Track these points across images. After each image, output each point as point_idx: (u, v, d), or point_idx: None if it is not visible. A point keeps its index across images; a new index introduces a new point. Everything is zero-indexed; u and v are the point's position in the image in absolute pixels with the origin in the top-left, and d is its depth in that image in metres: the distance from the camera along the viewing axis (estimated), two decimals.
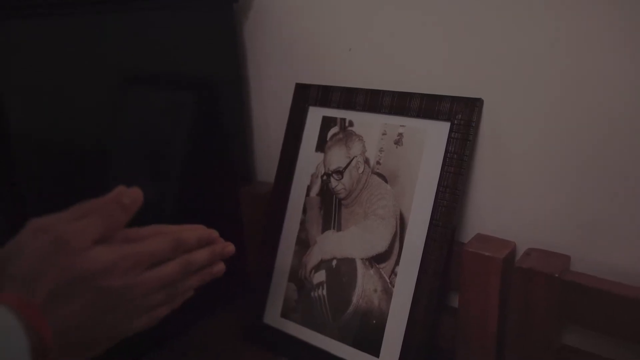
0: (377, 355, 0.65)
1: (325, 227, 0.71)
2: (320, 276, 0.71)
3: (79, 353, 0.40)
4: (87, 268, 0.38)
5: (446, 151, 0.63)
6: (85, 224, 0.40)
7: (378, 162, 0.68)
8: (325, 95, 0.73)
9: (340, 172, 0.71)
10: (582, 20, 0.54)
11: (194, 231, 0.48)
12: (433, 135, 0.64)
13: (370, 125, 0.69)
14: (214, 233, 0.50)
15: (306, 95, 0.75)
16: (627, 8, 0.52)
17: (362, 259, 0.68)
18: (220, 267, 0.50)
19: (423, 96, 0.65)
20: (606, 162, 0.56)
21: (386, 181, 0.67)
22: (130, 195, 0.44)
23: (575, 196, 0.59)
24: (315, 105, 0.74)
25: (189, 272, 0.46)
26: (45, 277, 0.37)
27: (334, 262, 0.70)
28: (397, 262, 0.65)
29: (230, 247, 0.51)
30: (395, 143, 0.67)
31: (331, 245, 0.70)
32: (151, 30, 0.69)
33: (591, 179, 0.58)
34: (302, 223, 0.74)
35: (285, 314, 0.74)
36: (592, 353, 0.58)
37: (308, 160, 0.74)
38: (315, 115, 0.74)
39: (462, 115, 0.62)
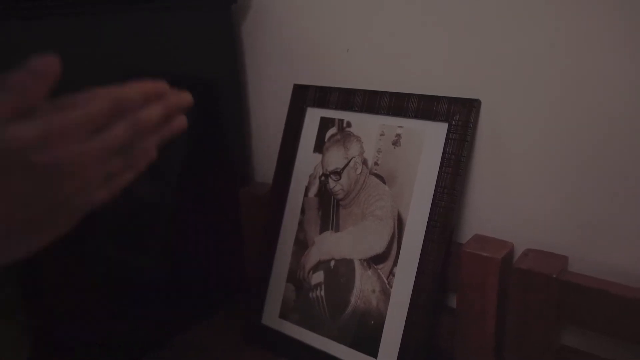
0: (375, 356, 0.65)
1: (324, 228, 0.71)
2: (318, 277, 0.71)
3: (40, 229, 0.38)
4: (8, 146, 0.34)
5: (444, 152, 0.62)
6: None
7: (376, 163, 0.67)
8: (323, 96, 0.73)
9: (338, 173, 0.71)
10: (582, 20, 0.54)
11: (136, 87, 0.42)
12: (431, 136, 0.64)
13: (368, 126, 0.69)
14: (164, 86, 0.44)
15: (304, 96, 0.75)
16: (627, 8, 0.52)
17: (360, 260, 0.68)
18: (181, 120, 0.45)
19: (421, 97, 0.65)
20: (605, 162, 0.56)
21: (384, 182, 0.67)
22: (44, 62, 0.39)
23: (573, 197, 0.59)
24: (313, 106, 0.74)
25: (142, 132, 0.41)
26: None
27: (332, 263, 0.70)
28: (395, 263, 0.65)
29: (186, 97, 0.45)
30: (393, 144, 0.67)
31: (329, 246, 0.70)
32: (149, 31, 0.69)
33: (590, 180, 0.58)
34: (301, 224, 0.73)
35: (283, 315, 0.74)
36: (590, 353, 0.58)
37: (306, 161, 0.74)
38: (313, 116, 0.74)
39: (459, 116, 0.62)
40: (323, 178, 0.72)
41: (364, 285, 0.67)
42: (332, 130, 0.72)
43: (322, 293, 0.70)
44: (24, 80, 0.37)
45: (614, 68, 0.54)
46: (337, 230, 0.70)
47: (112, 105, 0.39)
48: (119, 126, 0.39)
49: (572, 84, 0.56)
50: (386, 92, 0.68)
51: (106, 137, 0.38)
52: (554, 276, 0.56)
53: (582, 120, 0.57)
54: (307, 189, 0.73)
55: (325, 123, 0.73)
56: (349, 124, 0.70)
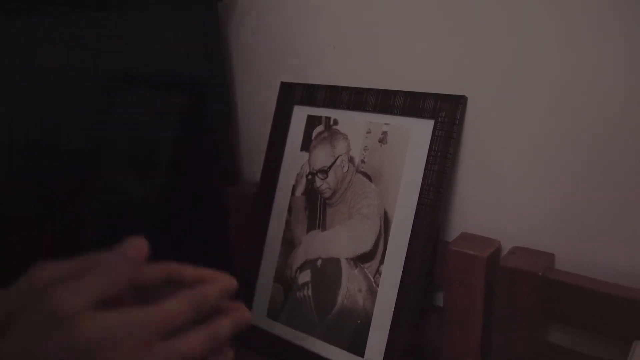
0: (362, 355, 0.64)
1: (311, 227, 0.71)
2: (305, 276, 0.70)
3: None
4: (88, 340, 0.32)
5: (430, 149, 0.62)
6: (84, 283, 0.34)
7: (362, 161, 0.67)
8: (310, 93, 0.72)
9: (325, 171, 0.70)
10: (573, 16, 0.54)
11: (215, 286, 0.39)
12: (417, 133, 0.63)
13: (354, 124, 0.68)
14: (234, 282, 0.42)
15: (291, 94, 0.74)
16: (619, 4, 0.51)
17: (346, 259, 0.67)
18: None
19: (407, 94, 0.64)
20: (592, 161, 0.56)
21: (370, 180, 0.66)
22: (135, 248, 0.38)
23: (561, 195, 0.58)
24: (300, 104, 0.73)
25: (214, 347, 0.37)
26: (39, 357, 0.32)
27: (319, 262, 0.69)
28: (381, 262, 0.64)
29: (247, 316, 0.42)
30: (379, 141, 0.66)
31: (316, 245, 0.70)
32: (135, 30, 0.69)
33: (576, 178, 0.57)
34: (288, 223, 0.73)
35: (271, 315, 0.73)
36: (577, 351, 0.58)
37: (293, 159, 0.73)
38: (300, 114, 0.73)
39: (446, 113, 0.62)
40: (310, 176, 0.71)
41: (350, 284, 0.66)
42: (319, 129, 0.71)
43: (310, 292, 0.70)
44: (114, 263, 0.36)
45: (602, 66, 0.53)
46: (324, 229, 0.70)
47: (195, 308, 0.37)
48: (200, 338, 0.36)
49: (561, 82, 0.56)
50: (372, 89, 0.67)
51: (186, 346, 0.35)
52: (540, 274, 0.55)
53: (569, 118, 0.56)
54: (294, 188, 0.73)
55: (312, 121, 0.72)
56: (335, 122, 0.70)
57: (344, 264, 0.67)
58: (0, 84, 0.57)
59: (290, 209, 0.73)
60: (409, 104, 0.64)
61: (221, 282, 0.40)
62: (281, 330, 0.72)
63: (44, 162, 0.62)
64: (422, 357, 0.66)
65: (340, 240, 0.68)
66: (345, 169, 0.68)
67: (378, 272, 0.64)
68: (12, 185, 0.60)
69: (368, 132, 0.67)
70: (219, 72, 0.82)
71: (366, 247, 0.66)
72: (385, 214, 0.64)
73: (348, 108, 0.69)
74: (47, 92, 0.61)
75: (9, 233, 0.61)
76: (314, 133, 0.72)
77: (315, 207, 0.71)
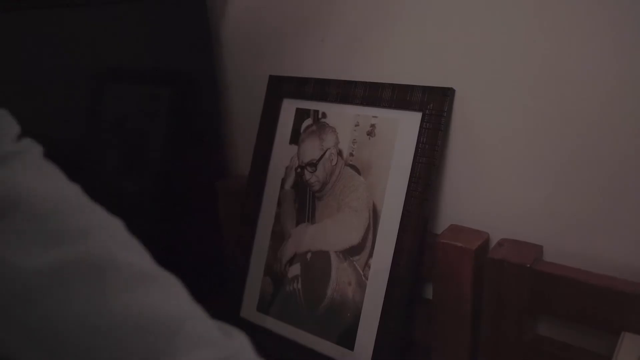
0: (352, 349, 0.65)
1: (300, 220, 0.71)
2: (295, 269, 0.70)
3: None
4: None
5: (418, 141, 0.62)
6: None
7: (351, 154, 0.67)
8: (299, 86, 0.72)
9: (313, 165, 0.70)
10: (561, 6, 0.53)
11: None
12: (405, 126, 0.63)
13: (343, 117, 0.68)
14: None
15: (280, 87, 0.74)
16: None
17: (336, 252, 0.67)
18: None
19: (395, 86, 0.64)
20: (579, 152, 0.56)
21: (359, 173, 0.66)
22: None
23: (548, 187, 0.58)
24: (289, 97, 0.73)
25: None
26: None
27: (309, 255, 0.69)
28: (370, 255, 0.64)
29: None
30: (368, 134, 0.66)
31: (305, 238, 0.70)
32: (123, 23, 0.68)
33: (565, 170, 0.57)
34: (277, 216, 0.73)
35: (261, 308, 0.73)
36: (565, 342, 0.58)
37: (282, 152, 0.73)
38: (289, 107, 0.73)
39: (433, 105, 0.61)
40: (299, 170, 0.71)
41: (339, 277, 0.66)
42: (307, 122, 0.71)
43: (299, 286, 0.70)
44: None
45: (591, 58, 0.53)
46: (313, 222, 0.69)
47: None
48: None
49: (549, 74, 0.56)
50: (360, 82, 0.67)
51: None
52: (528, 265, 0.55)
53: (557, 110, 0.56)
54: (283, 181, 0.73)
55: (300, 114, 0.72)
56: (324, 115, 0.70)
57: (333, 257, 0.67)
58: None
59: (279, 202, 0.73)
60: (396, 96, 0.64)
61: None
62: (271, 323, 0.72)
63: None
64: (412, 349, 0.66)
65: (329, 233, 0.68)
66: (334, 162, 0.68)
67: (367, 265, 0.64)
68: None
69: (356, 125, 0.67)
70: (208, 66, 0.81)
71: (355, 240, 0.65)
72: (374, 206, 0.64)
73: (336, 101, 0.68)
74: (35, 87, 0.60)
75: None
76: (303, 126, 0.71)
77: (305, 200, 0.70)
